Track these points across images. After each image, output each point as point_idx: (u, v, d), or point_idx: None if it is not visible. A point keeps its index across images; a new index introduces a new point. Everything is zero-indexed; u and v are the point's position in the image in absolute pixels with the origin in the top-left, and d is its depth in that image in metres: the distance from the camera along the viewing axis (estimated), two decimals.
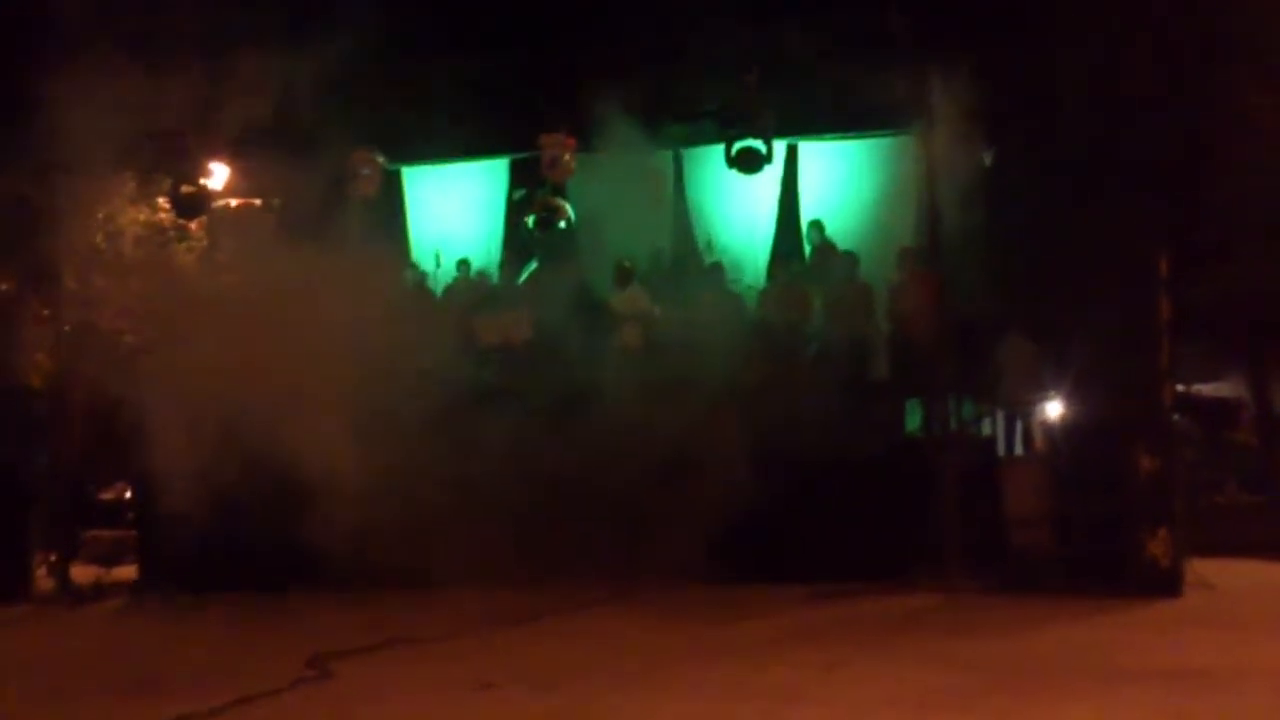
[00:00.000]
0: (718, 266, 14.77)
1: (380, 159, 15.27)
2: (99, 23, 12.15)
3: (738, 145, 13.98)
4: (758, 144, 13.91)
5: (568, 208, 14.81)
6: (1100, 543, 11.22)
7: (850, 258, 14.25)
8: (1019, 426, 13.24)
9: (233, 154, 14.74)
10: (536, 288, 14.90)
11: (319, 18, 12.07)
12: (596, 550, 12.05)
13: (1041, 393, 12.47)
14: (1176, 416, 12.69)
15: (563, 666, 8.60)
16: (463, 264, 15.36)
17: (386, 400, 12.16)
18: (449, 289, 15.32)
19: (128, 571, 14.13)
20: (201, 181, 14.79)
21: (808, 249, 14.95)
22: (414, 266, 15.41)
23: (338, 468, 11.99)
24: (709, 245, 15.27)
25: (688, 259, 15.34)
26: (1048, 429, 12.53)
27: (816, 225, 14.89)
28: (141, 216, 17.70)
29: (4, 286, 16.16)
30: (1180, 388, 15.57)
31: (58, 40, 12.76)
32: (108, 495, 16.75)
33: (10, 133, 13.87)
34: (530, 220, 14.91)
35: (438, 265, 15.36)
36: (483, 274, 15.41)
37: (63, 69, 12.45)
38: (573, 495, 12.05)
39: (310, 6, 12.09)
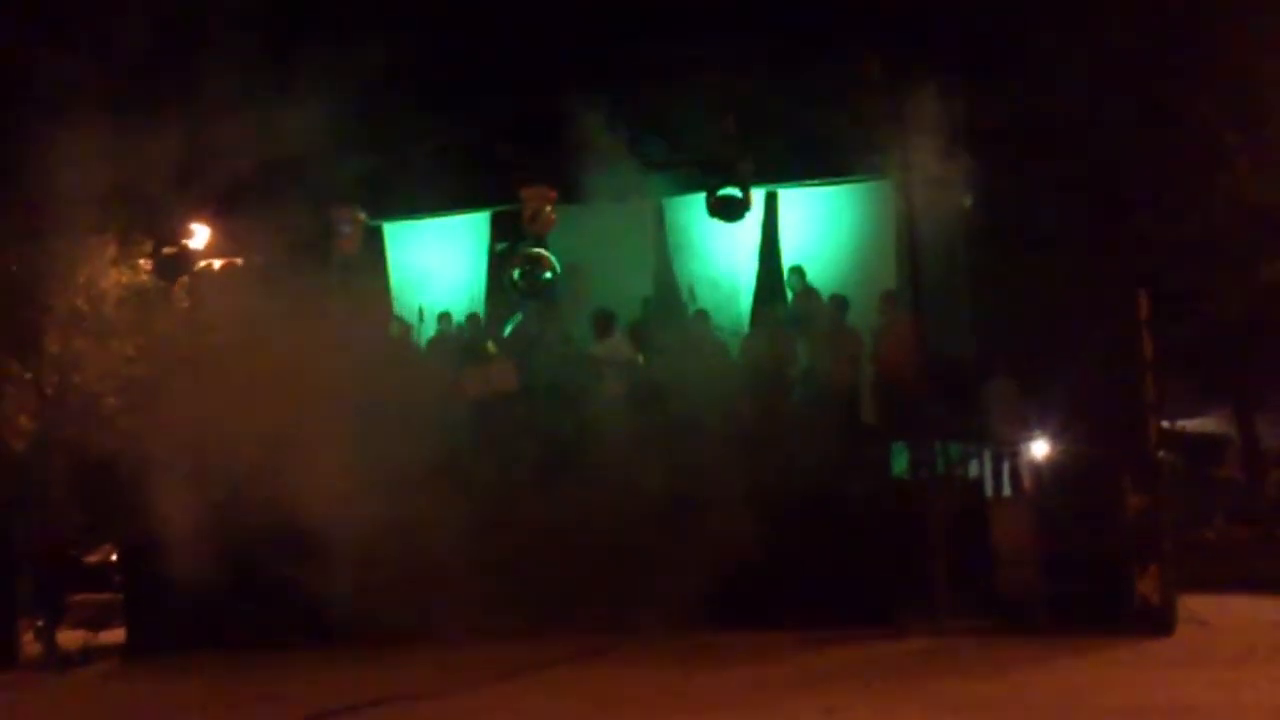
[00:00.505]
0: (700, 314, 14.79)
1: (361, 215, 15.30)
2: (78, 87, 12.17)
3: (718, 193, 14.04)
4: (737, 191, 13.97)
5: (552, 259, 14.84)
6: (1091, 582, 11.19)
7: (838, 302, 14.29)
8: (1006, 467, 13.24)
9: (214, 214, 14.74)
10: (520, 339, 14.89)
11: (298, 77, 12.11)
12: (585, 601, 12.01)
13: (1027, 433, 12.49)
14: (1163, 453, 12.69)
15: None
16: (443, 317, 15.36)
17: (375, 455, 12.12)
18: (433, 342, 15.30)
19: (115, 635, 14.01)
20: (183, 242, 14.78)
21: (790, 295, 14.98)
22: (399, 319, 15.41)
23: (326, 524, 11.95)
24: (691, 293, 15.28)
25: (670, 307, 15.35)
26: (1035, 469, 12.54)
27: (797, 271, 14.93)
28: (123, 278, 17.63)
29: None
30: (1165, 424, 15.60)
31: (37, 105, 12.78)
32: (93, 558, 16.61)
33: None
34: (516, 274, 14.92)
35: (420, 320, 15.35)
36: (463, 325, 15.37)
37: (42, 133, 12.47)
38: (561, 545, 12.00)
39: (288, 66, 12.11)
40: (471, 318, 15.51)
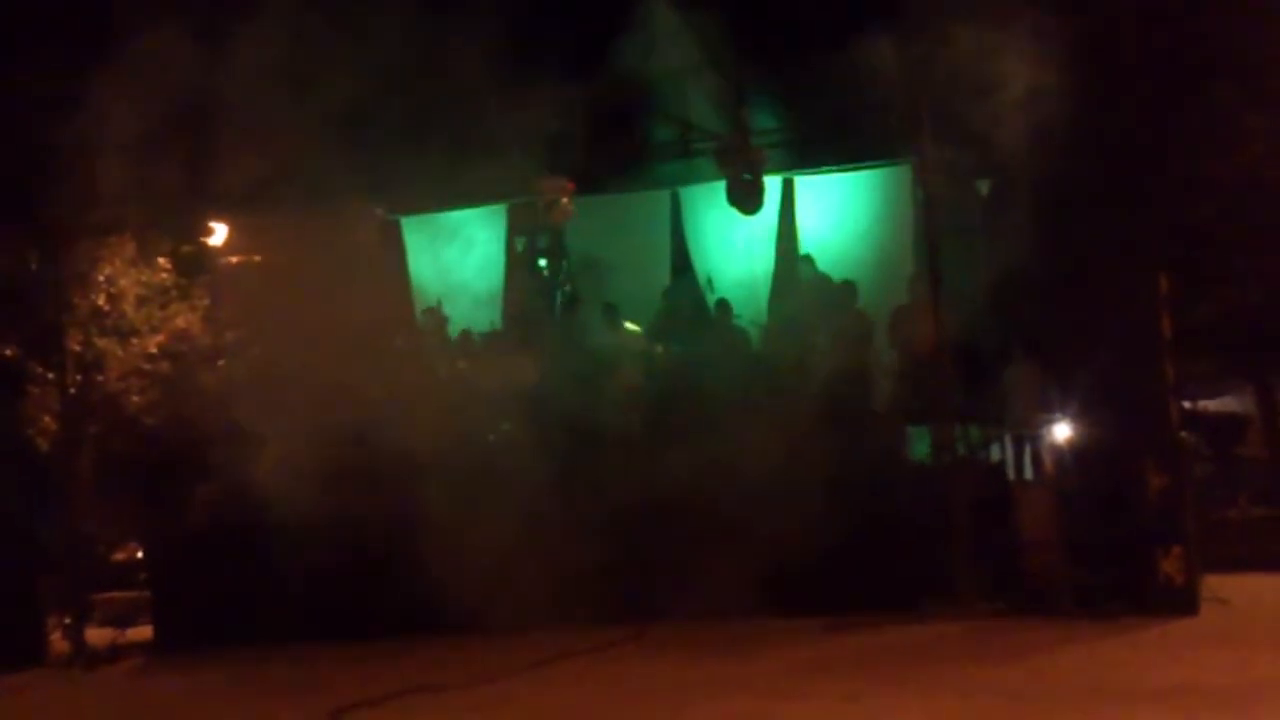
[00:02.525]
0: (722, 303, 14.81)
1: (380, 210, 15.34)
2: (94, 86, 12.21)
3: (734, 182, 14.04)
4: (753, 180, 13.96)
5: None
6: (1114, 564, 11.19)
7: (848, 287, 14.28)
8: (1028, 451, 13.22)
9: (232, 211, 14.78)
10: (538, 331, 14.92)
11: (312, 71, 12.13)
12: (608, 591, 12.03)
13: (1049, 416, 12.47)
14: (1184, 434, 12.68)
15: (581, 711, 8.59)
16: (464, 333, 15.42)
17: (400, 447, 12.16)
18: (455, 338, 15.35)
19: (143, 632, 14.10)
20: (202, 240, 14.83)
21: (803, 282, 14.99)
22: (432, 311, 15.44)
23: (349, 517, 12.01)
24: (710, 283, 15.30)
25: (689, 297, 15.37)
26: (1056, 452, 12.51)
27: (807, 260, 14.94)
28: (143, 277, 17.71)
29: (8, 351, 16.15)
30: (1187, 405, 15.56)
31: (54, 104, 12.83)
32: (120, 557, 16.71)
33: (10, 197, 13.94)
34: (542, 262, 14.98)
35: (443, 313, 15.39)
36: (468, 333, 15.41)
37: (60, 132, 12.52)
38: (584, 536, 12.02)
39: (303, 60, 12.13)
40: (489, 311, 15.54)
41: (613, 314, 14.53)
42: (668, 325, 14.89)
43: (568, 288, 15.16)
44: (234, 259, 16.06)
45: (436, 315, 15.38)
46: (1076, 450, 12.07)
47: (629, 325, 14.68)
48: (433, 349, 15.15)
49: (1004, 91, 11.33)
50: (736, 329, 14.59)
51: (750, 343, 14.52)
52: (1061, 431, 12.35)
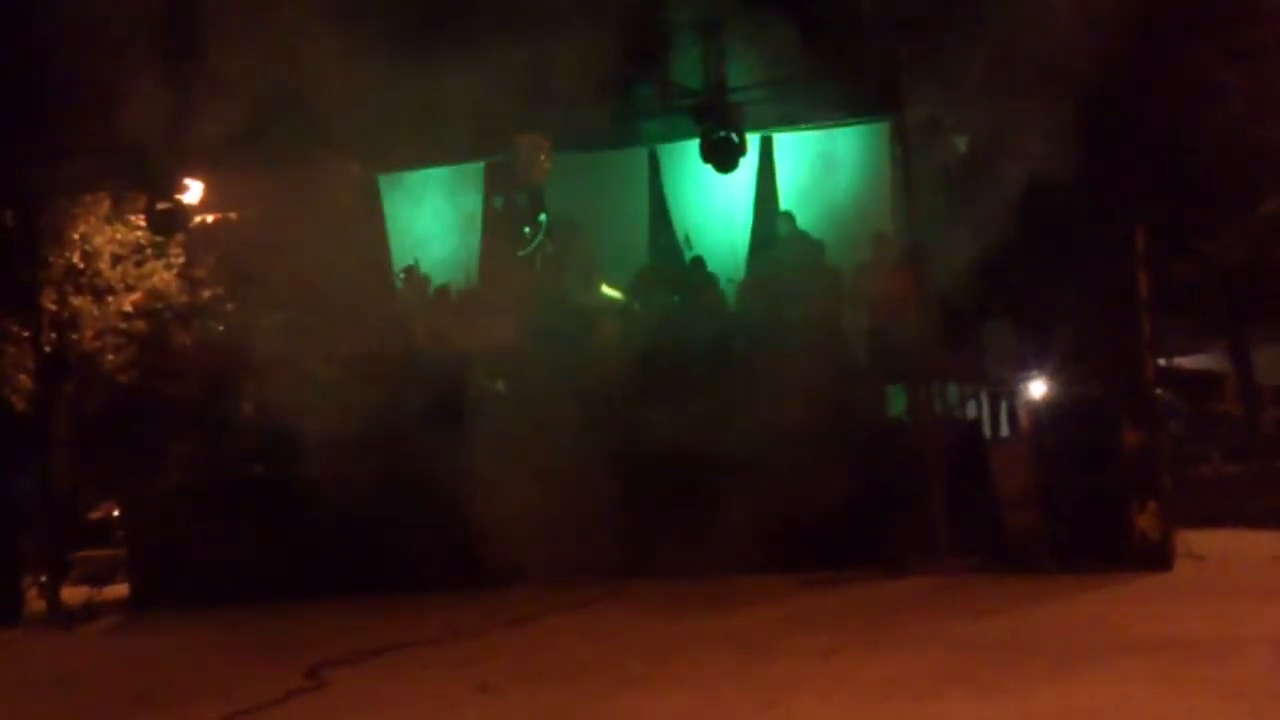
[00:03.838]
0: (697, 260, 14.79)
1: (356, 167, 15.26)
2: (68, 41, 12.10)
3: (711, 139, 13.99)
4: (731, 137, 13.92)
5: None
6: (1090, 519, 11.24)
7: (816, 244, 14.29)
8: (1004, 407, 13.27)
9: (207, 168, 14.69)
10: (515, 290, 14.90)
11: (289, 27, 12.03)
12: (586, 548, 12.05)
13: (1025, 373, 12.50)
14: (1160, 390, 12.73)
15: (561, 665, 8.61)
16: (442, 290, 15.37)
17: (380, 403, 12.16)
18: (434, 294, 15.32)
19: (119, 591, 14.07)
20: (177, 197, 14.74)
21: (779, 239, 14.98)
22: (410, 271, 15.41)
23: (328, 475, 12.00)
24: (688, 240, 15.28)
25: (666, 255, 15.36)
26: (1032, 409, 12.54)
27: (787, 217, 14.93)
28: (118, 235, 17.64)
29: None
30: (1162, 361, 15.63)
31: (28, 60, 12.72)
32: (96, 515, 16.68)
33: None
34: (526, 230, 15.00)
35: (419, 271, 15.36)
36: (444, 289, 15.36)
37: (32, 89, 12.41)
38: (564, 493, 12.03)
39: (279, 15, 12.03)
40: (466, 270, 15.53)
41: (590, 273, 14.50)
42: (645, 283, 14.87)
43: (546, 246, 15.12)
44: (210, 217, 16.00)
45: (414, 274, 15.35)
46: (1053, 407, 12.10)
47: (606, 289, 14.67)
48: (410, 306, 15.12)
49: (982, 47, 11.32)
50: (711, 286, 14.58)
51: (725, 300, 14.51)
52: (1038, 388, 12.39)
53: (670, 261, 15.29)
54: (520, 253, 15.17)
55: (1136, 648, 7.74)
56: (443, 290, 15.26)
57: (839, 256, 14.51)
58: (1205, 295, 17.69)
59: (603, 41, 12.88)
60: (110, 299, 17.63)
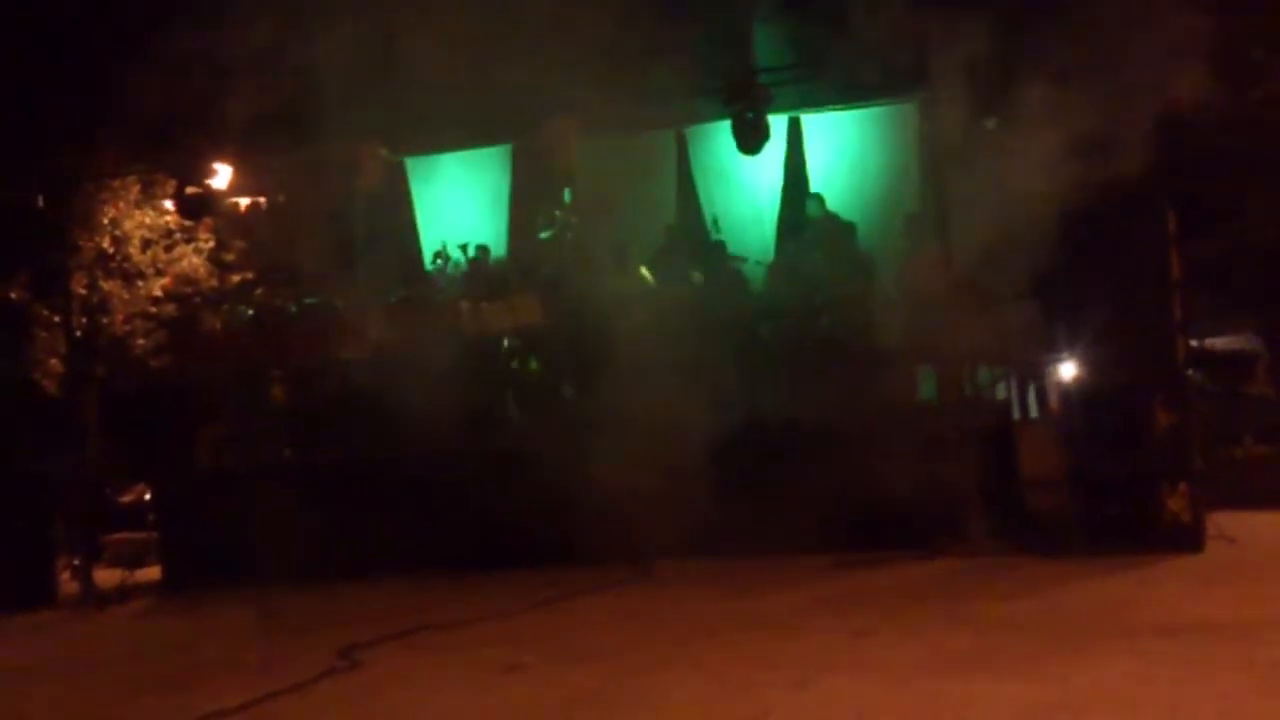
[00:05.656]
0: (718, 244, 14.77)
1: (384, 151, 15.28)
2: (99, 28, 12.15)
3: (740, 121, 13.95)
4: (760, 118, 13.88)
5: None
6: (1121, 501, 11.20)
7: (847, 226, 14.24)
8: (1033, 389, 13.22)
9: (236, 153, 14.73)
10: (544, 271, 14.89)
11: (316, 11, 12.04)
12: (618, 531, 12.06)
13: (1055, 354, 12.44)
14: (1191, 371, 12.66)
15: (592, 645, 8.63)
16: (481, 249, 15.34)
17: (407, 387, 12.18)
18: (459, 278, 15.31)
19: (151, 573, 14.16)
20: (206, 182, 14.79)
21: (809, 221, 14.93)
22: (440, 253, 15.41)
23: (357, 457, 12.03)
24: (715, 224, 15.25)
25: (694, 238, 15.32)
26: (1062, 390, 12.49)
27: (817, 198, 14.88)
28: (147, 219, 17.73)
29: (13, 294, 16.18)
30: (1194, 342, 15.53)
31: (58, 47, 12.77)
32: (128, 498, 16.78)
33: (14, 140, 13.90)
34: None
35: (446, 256, 15.37)
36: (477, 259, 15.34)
37: (63, 75, 12.47)
38: (591, 478, 12.04)
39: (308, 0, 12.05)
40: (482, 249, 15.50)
41: (623, 253, 14.46)
42: (669, 264, 14.83)
43: (575, 227, 15.09)
44: (239, 201, 16.05)
45: (444, 256, 15.36)
46: (1084, 388, 12.05)
47: (642, 271, 14.64)
48: (440, 290, 15.13)
49: (1010, 29, 11.25)
50: (733, 269, 14.54)
51: (746, 282, 14.47)
52: (1068, 370, 12.33)
53: (695, 244, 15.23)
54: (543, 235, 15.16)
55: (1167, 630, 7.71)
56: (471, 274, 15.20)
57: (868, 238, 14.45)
58: (1237, 274, 17.56)
59: (630, 23, 12.87)
60: (140, 283, 17.75)
